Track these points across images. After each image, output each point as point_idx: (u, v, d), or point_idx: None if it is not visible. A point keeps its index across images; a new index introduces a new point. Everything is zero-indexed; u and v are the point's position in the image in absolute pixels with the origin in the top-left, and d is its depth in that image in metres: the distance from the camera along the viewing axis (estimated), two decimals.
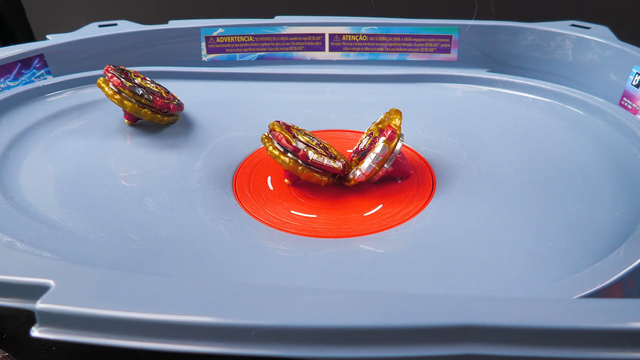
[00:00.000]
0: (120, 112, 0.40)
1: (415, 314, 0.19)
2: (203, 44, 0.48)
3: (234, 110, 0.42)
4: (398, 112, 0.33)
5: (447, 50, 0.47)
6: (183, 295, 0.20)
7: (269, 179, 0.35)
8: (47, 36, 0.45)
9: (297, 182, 0.34)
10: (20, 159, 0.35)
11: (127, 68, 0.40)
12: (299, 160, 0.31)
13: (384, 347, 0.18)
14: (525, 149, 0.36)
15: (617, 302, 0.20)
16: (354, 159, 0.34)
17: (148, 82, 0.40)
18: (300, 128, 0.35)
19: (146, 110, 0.37)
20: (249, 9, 0.65)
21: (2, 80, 0.42)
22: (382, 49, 0.48)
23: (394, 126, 0.32)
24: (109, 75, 0.37)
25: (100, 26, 0.47)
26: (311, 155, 0.31)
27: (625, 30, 0.49)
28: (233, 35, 0.48)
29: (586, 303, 0.20)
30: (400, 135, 0.32)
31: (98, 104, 0.41)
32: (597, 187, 0.32)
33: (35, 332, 0.19)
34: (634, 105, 0.40)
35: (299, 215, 0.32)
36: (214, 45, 0.48)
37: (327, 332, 0.18)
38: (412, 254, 0.28)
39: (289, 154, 0.31)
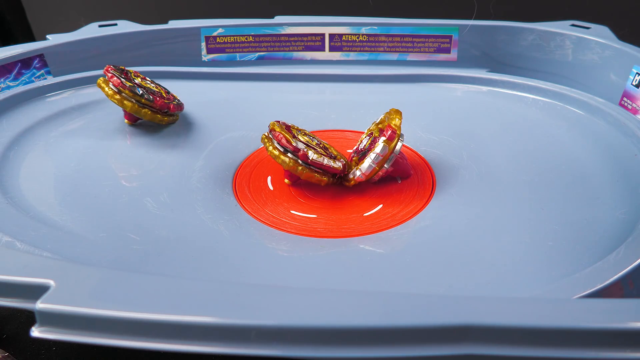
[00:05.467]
0: (120, 112, 0.40)
1: (415, 314, 0.19)
2: (203, 44, 0.48)
3: (234, 110, 0.42)
4: (398, 112, 0.33)
5: (447, 50, 0.47)
6: (183, 295, 0.20)
7: (269, 179, 0.35)
8: (47, 36, 0.45)
9: (297, 182, 0.34)
10: (20, 159, 0.35)
11: (127, 68, 0.40)
12: (299, 160, 0.31)
13: (384, 347, 0.18)
14: (525, 149, 0.36)
15: (617, 302, 0.20)
16: (354, 159, 0.34)
17: (148, 82, 0.40)
18: (300, 128, 0.35)
19: (146, 110, 0.37)
20: (249, 9, 0.65)
21: (2, 80, 0.42)
22: (382, 49, 0.48)
23: (394, 126, 0.32)
24: (109, 75, 0.37)
25: (100, 26, 0.47)
26: (311, 155, 0.31)
27: (625, 28, 0.49)
28: (233, 35, 0.48)
29: (586, 303, 0.20)
30: (400, 135, 0.32)
31: (98, 104, 0.41)
32: (597, 187, 0.32)
33: (35, 332, 0.19)
34: (634, 105, 0.40)
35: (299, 215, 0.32)
36: (214, 45, 0.48)
37: (327, 332, 0.18)
38: (412, 254, 0.28)
39: (289, 154, 0.31)
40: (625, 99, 0.41)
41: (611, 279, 0.23)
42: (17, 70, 0.43)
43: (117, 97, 0.37)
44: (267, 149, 0.32)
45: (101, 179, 0.34)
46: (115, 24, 0.47)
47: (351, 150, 0.37)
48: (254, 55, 0.49)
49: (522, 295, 0.24)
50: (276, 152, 0.31)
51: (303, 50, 0.48)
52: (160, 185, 0.34)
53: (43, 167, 0.34)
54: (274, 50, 0.48)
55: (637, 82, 0.40)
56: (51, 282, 0.20)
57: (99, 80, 0.37)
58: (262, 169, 0.36)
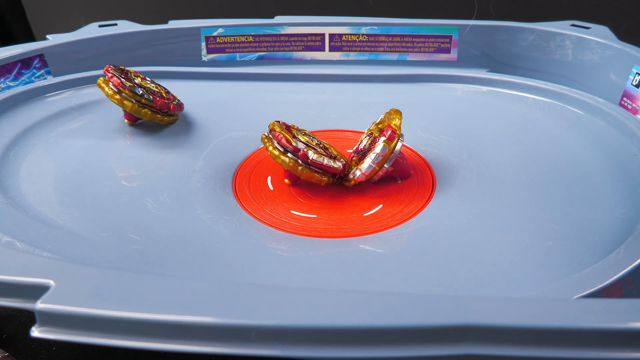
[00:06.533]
0: (120, 112, 0.40)
1: (415, 314, 0.19)
2: (203, 44, 0.48)
3: (234, 110, 0.42)
4: (398, 112, 0.33)
5: (447, 50, 0.47)
6: (183, 295, 0.20)
7: (269, 179, 0.35)
8: (47, 36, 0.45)
9: (297, 182, 0.34)
10: (20, 159, 0.35)
11: (127, 68, 0.40)
12: (299, 160, 0.31)
13: (384, 347, 0.18)
14: (526, 149, 0.36)
15: (617, 302, 0.20)
16: (354, 159, 0.34)
17: (148, 82, 0.40)
18: (300, 128, 0.35)
19: (146, 110, 0.37)
20: (249, 9, 0.65)
21: (2, 80, 0.42)
22: (382, 49, 0.48)
23: (394, 126, 0.32)
24: (109, 75, 0.37)
25: (100, 26, 0.47)
26: (311, 155, 0.31)
27: (623, 26, 0.49)
28: (233, 35, 0.48)
29: (586, 303, 0.20)
30: (400, 135, 0.32)
31: (98, 104, 0.41)
32: (597, 187, 0.32)
33: (35, 332, 0.19)
34: (634, 105, 0.40)
35: (299, 215, 0.32)
36: (214, 45, 0.48)
37: (327, 332, 0.18)
38: (412, 254, 0.28)
39: (289, 154, 0.31)
40: (625, 99, 0.41)
41: (611, 279, 0.23)
42: (17, 70, 0.43)
43: (117, 97, 0.37)
44: (267, 149, 0.32)
45: (101, 179, 0.34)
46: (115, 24, 0.47)
47: (351, 150, 0.37)
48: (254, 55, 0.49)
49: (522, 295, 0.24)
50: (276, 152, 0.31)
51: (303, 50, 0.48)
52: (160, 185, 0.34)
53: (43, 167, 0.34)
54: (274, 50, 0.48)
55: (637, 82, 0.40)
56: (51, 282, 0.20)
57: (99, 80, 0.37)
58: (262, 169, 0.36)
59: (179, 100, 0.40)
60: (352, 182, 0.33)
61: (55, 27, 0.64)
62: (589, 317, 0.19)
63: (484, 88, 0.44)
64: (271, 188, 0.34)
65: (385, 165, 0.32)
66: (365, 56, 0.48)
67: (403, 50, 0.48)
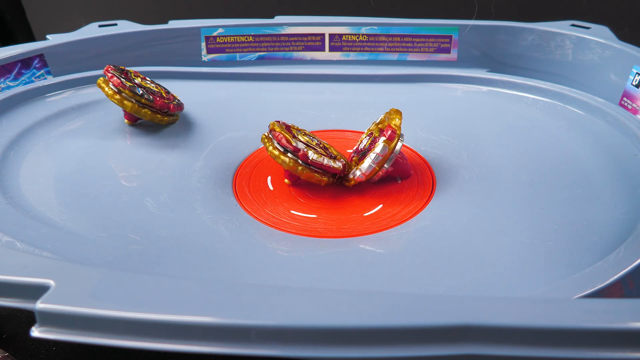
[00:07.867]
0: (120, 112, 0.40)
1: (415, 314, 0.19)
2: (203, 44, 0.48)
3: (234, 110, 0.42)
4: (398, 112, 0.33)
5: (447, 50, 0.47)
6: (183, 295, 0.20)
7: (269, 179, 0.35)
8: (47, 36, 0.45)
9: (297, 182, 0.34)
10: (20, 159, 0.35)
11: (127, 68, 0.40)
12: (299, 160, 0.31)
13: (384, 347, 0.18)
14: (526, 149, 0.36)
15: (617, 302, 0.20)
16: (354, 159, 0.34)
17: (148, 82, 0.40)
18: (300, 128, 0.35)
19: (146, 110, 0.37)
20: (249, 9, 0.65)
21: (2, 80, 0.42)
22: (382, 49, 0.48)
23: (394, 126, 0.32)
24: (109, 75, 0.37)
25: (100, 26, 0.47)
26: (311, 155, 0.31)
27: (624, 28, 0.49)
28: (233, 35, 0.48)
29: (586, 303, 0.20)
30: (400, 135, 0.32)
31: (98, 104, 0.41)
32: (597, 187, 0.32)
33: (35, 332, 0.19)
34: (634, 105, 0.40)
35: (299, 215, 0.32)
36: (214, 45, 0.48)
37: (327, 332, 0.18)
38: (412, 254, 0.28)
39: (289, 154, 0.31)
40: (625, 99, 0.41)
41: (611, 279, 0.23)
42: (17, 70, 0.43)
43: (117, 97, 0.37)
44: (267, 149, 0.32)
45: (101, 179, 0.34)
46: (115, 24, 0.47)
47: (351, 150, 0.37)
48: (254, 55, 0.49)
49: (522, 295, 0.24)
50: (276, 152, 0.31)
51: (303, 50, 0.48)
52: (160, 185, 0.34)
53: (43, 167, 0.34)
54: (274, 50, 0.48)
55: (637, 82, 0.40)
56: (51, 282, 0.20)
57: (99, 80, 0.37)
58: (262, 169, 0.36)
59: (179, 100, 0.40)
60: (352, 182, 0.33)
61: (55, 27, 0.64)
62: (589, 317, 0.19)
63: (484, 88, 0.44)
64: (271, 188, 0.34)
65: (385, 165, 0.32)
66: (365, 56, 0.48)
67: (403, 50, 0.48)
